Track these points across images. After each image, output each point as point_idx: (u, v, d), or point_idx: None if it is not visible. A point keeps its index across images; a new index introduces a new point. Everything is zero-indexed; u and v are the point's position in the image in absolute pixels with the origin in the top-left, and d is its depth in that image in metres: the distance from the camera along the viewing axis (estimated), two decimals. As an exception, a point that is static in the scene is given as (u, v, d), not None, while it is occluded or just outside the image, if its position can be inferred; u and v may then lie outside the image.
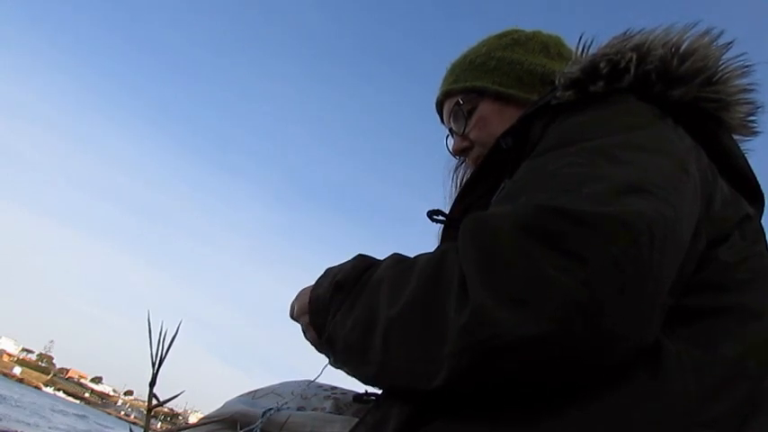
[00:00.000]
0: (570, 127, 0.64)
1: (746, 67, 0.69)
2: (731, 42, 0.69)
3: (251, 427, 0.86)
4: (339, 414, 0.88)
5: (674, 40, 0.68)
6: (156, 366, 0.73)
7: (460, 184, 1.05)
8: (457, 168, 1.08)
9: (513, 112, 0.90)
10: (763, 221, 0.70)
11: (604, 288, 0.45)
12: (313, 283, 0.78)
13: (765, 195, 0.72)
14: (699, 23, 0.70)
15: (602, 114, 0.64)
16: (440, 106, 1.07)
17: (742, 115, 0.70)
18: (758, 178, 0.70)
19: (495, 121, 0.94)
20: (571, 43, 0.95)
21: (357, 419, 0.71)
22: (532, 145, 0.67)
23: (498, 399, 0.50)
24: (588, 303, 0.44)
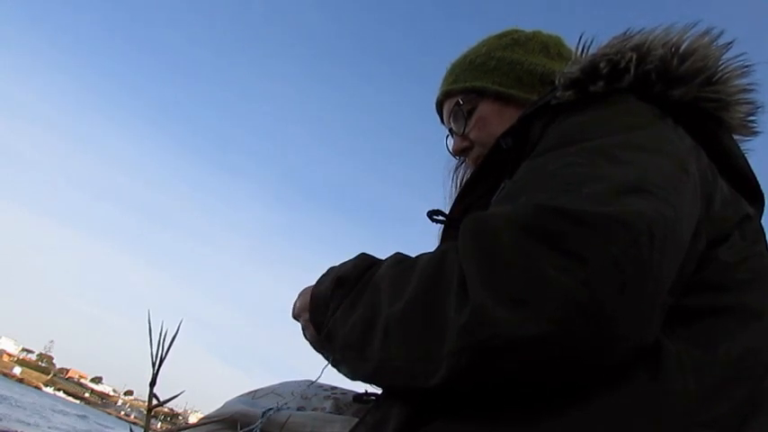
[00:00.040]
0: (570, 127, 0.64)
1: (746, 66, 0.69)
2: (731, 42, 0.69)
3: (251, 427, 0.86)
4: (339, 414, 0.88)
5: (674, 40, 0.68)
6: (156, 366, 0.73)
7: (460, 184, 1.05)
8: (457, 168, 1.08)
9: (513, 112, 0.90)
10: (763, 221, 0.70)
11: (604, 288, 0.45)
12: (315, 282, 0.79)
13: (765, 195, 0.72)
14: (699, 23, 0.70)
15: (602, 114, 0.64)
16: (440, 106, 1.07)
17: (742, 115, 0.70)
18: (758, 178, 0.70)
19: (494, 121, 0.94)
20: (571, 43, 0.95)
21: (357, 419, 0.71)
22: (532, 145, 0.67)
23: (498, 399, 0.50)
24: (588, 303, 0.44)
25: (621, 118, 0.63)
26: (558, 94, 0.70)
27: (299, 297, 0.83)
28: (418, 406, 0.56)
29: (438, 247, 0.63)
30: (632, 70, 0.67)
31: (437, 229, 0.93)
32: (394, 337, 0.56)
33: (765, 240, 0.66)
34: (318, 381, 0.94)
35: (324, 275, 0.77)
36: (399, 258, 0.66)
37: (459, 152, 1.01)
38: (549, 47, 1.00)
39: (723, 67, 0.68)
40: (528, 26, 1.04)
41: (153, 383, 0.72)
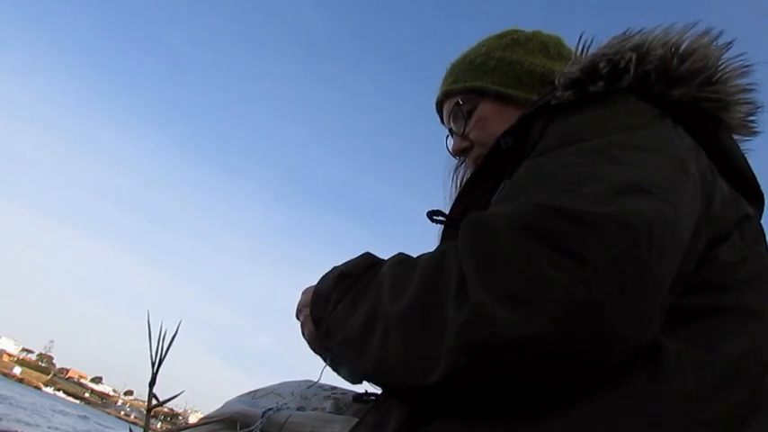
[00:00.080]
0: (570, 127, 0.64)
1: (746, 66, 0.69)
2: (731, 42, 0.69)
3: (251, 427, 0.86)
4: (339, 414, 0.88)
5: (674, 39, 0.68)
6: (156, 366, 0.73)
7: (460, 184, 1.05)
8: (457, 168, 1.08)
9: (513, 112, 0.90)
10: (763, 221, 0.70)
11: (604, 288, 0.45)
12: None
13: (765, 195, 0.72)
14: (698, 23, 0.70)
15: (602, 114, 0.64)
16: (440, 106, 1.07)
17: (742, 115, 0.70)
18: (758, 178, 0.70)
19: (494, 121, 0.94)
20: (571, 43, 0.95)
21: (357, 419, 0.71)
22: (532, 145, 0.67)
23: (498, 398, 0.50)
24: (588, 303, 0.44)
25: (621, 118, 0.63)
26: (557, 94, 0.70)
27: (302, 295, 0.84)
28: (418, 406, 0.56)
29: (438, 246, 0.64)
30: (632, 70, 0.67)
31: (437, 230, 0.93)
32: (393, 335, 0.56)
33: (765, 240, 0.66)
34: (318, 381, 0.95)
35: (327, 273, 0.77)
36: (401, 258, 0.66)
37: (459, 152, 1.01)
38: (549, 47, 1.00)
39: (723, 66, 0.68)
40: (528, 26, 1.04)
41: (153, 383, 0.73)
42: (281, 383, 1.01)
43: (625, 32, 0.72)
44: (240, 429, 0.87)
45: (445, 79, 1.04)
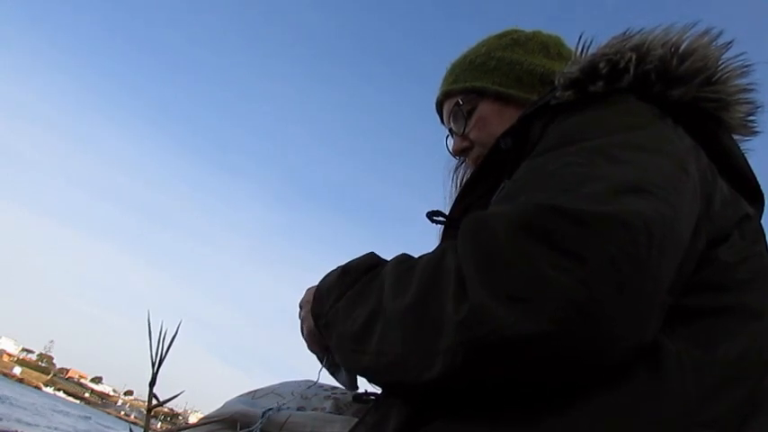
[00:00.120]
0: (570, 127, 0.64)
1: (746, 66, 0.69)
2: (730, 42, 0.69)
3: (251, 427, 0.86)
4: (339, 414, 0.88)
5: (674, 39, 0.68)
6: (156, 366, 0.73)
7: (460, 184, 1.05)
8: (457, 168, 1.08)
9: (513, 112, 0.90)
10: (763, 221, 0.70)
11: (603, 287, 0.45)
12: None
13: (765, 195, 0.72)
14: (698, 23, 0.70)
15: (602, 114, 0.64)
16: (440, 106, 1.07)
17: (742, 115, 0.70)
18: (758, 178, 0.70)
19: (494, 121, 0.94)
20: (571, 43, 0.95)
21: (357, 419, 0.71)
22: (532, 145, 0.67)
23: (498, 398, 0.50)
24: (587, 303, 0.44)
25: (621, 118, 0.63)
26: (557, 94, 0.70)
27: (305, 292, 0.84)
28: (418, 406, 0.56)
29: (438, 246, 0.64)
30: (632, 70, 0.67)
31: (437, 230, 0.93)
32: (392, 332, 0.57)
33: (765, 240, 0.66)
34: (318, 381, 0.95)
35: (331, 271, 0.78)
36: (403, 258, 0.66)
37: (459, 152, 1.01)
38: (549, 47, 1.00)
39: (723, 66, 0.68)
40: (528, 26, 1.04)
41: (153, 383, 0.73)
42: (281, 383, 1.01)
43: (625, 32, 0.72)
44: (240, 429, 0.87)
45: (445, 79, 1.04)
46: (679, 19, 0.71)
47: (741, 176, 0.68)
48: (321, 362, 0.89)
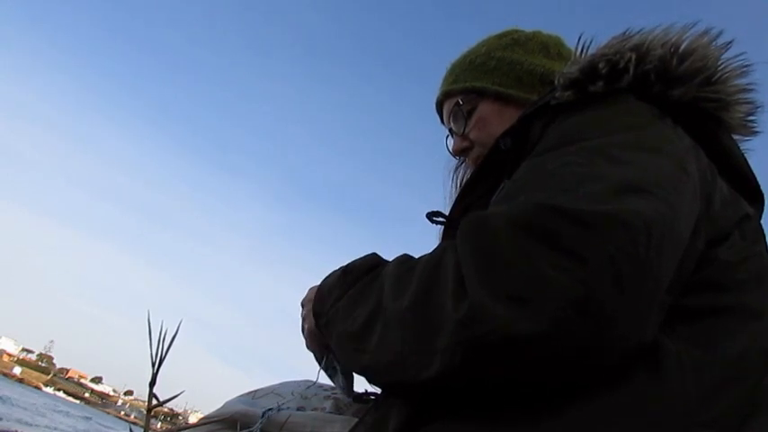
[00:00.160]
0: (570, 127, 0.64)
1: (746, 66, 0.69)
2: (730, 42, 0.69)
3: (251, 427, 0.86)
4: (339, 414, 0.88)
5: (674, 39, 0.68)
6: (156, 366, 0.73)
7: (460, 184, 1.05)
8: (457, 168, 1.08)
9: (513, 112, 0.90)
10: (763, 221, 0.70)
11: (603, 287, 0.45)
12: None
13: (765, 195, 0.72)
14: (698, 23, 0.70)
15: (602, 114, 0.64)
16: (440, 106, 1.07)
17: (741, 115, 0.70)
18: (758, 178, 0.70)
19: (494, 121, 0.94)
20: (571, 43, 0.95)
21: (357, 419, 0.71)
22: (532, 145, 0.67)
23: (498, 399, 0.50)
24: (587, 302, 0.44)
25: (621, 118, 0.63)
26: (557, 94, 0.70)
27: (307, 291, 0.85)
28: (418, 406, 0.56)
29: (438, 246, 0.64)
30: (631, 70, 0.67)
31: (437, 230, 0.93)
32: (392, 332, 0.57)
33: (765, 240, 0.66)
34: (318, 381, 0.95)
35: (333, 270, 0.78)
36: (404, 259, 0.66)
37: (459, 152, 1.01)
38: (549, 47, 1.00)
39: (722, 66, 0.68)
40: (528, 26, 1.04)
41: (153, 383, 0.73)
42: (281, 383, 1.01)
43: (624, 32, 0.72)
44: (240, 429, 0.87)
45: (445, 79, 1.04)
46: (679, 19, 0.71)
47: (741, 176, 0.68)
48: (319, 362, 0.89)
